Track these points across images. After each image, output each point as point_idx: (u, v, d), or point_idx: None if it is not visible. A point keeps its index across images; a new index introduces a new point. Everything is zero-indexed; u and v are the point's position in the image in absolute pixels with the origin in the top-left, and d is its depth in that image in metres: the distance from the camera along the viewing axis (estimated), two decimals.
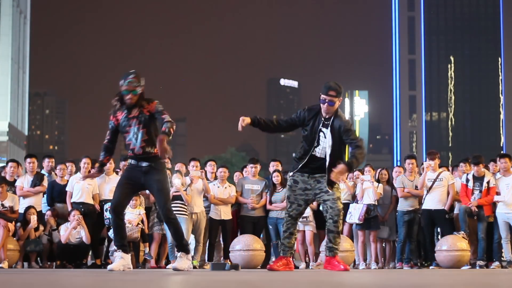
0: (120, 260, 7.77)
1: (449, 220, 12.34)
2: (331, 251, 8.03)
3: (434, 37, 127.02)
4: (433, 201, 12.25)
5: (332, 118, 7.95)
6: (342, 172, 7.71)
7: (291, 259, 8.30)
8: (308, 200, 8.16)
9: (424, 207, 12.34)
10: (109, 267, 7.89)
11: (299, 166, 8.01)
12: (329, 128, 7.92)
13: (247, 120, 7.96)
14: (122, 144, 7.88)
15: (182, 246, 7.91)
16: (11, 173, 12.45)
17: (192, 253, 12.14)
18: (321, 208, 8.96)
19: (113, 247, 11.45)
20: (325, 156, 7.92)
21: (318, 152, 7.94)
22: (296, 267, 10.96)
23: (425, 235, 12.59)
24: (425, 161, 12.75)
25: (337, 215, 7.88)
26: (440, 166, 12.62)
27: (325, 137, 7.92)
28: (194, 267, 11.54)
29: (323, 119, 7.96)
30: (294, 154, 8.23)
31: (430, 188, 12.25)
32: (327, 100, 7.89)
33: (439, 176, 12.27)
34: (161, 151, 7.30)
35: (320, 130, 7.94)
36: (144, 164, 7.69)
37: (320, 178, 7.96)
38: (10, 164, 12.61)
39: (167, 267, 11.73)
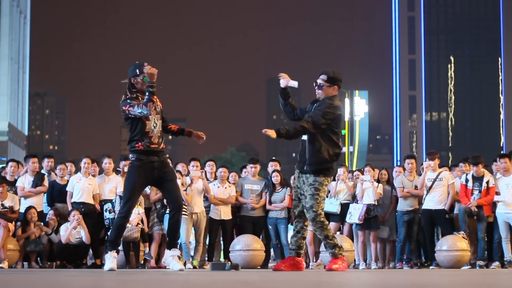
0: (115, 259, 7.84)
1: (449, 220, 12.34)
2: (330, 254, 8.23)
3: (434, 37, 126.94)
4: (433, 201, 12.25)
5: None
6: (269, 133, 7.76)
7: (300, 259, 8.22)
8: (299, 198, 8.22)
9: (424, 207, 12.34)
10: (107, 267, 7.85)
11: (298, 158, 8.20)
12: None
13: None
14: (122, 144, 7.93)
15: (176, 240, 8.08)
16: (11, 173, 12.45)
17: (192, 253, 12.19)
18: None
19: None
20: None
21: (304, 136, 8.09)
22: None
23: (425, 235, 12.59)
24: (425, 161, 12.75)
25: (313, 225, 8.05)
26: (440, 166, 12.63)
27: None
28: (194, 267, 11.55)
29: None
30: None
31: (430, 188, 12.25)
32: (316, 84, 8.20)
33: (439, 176, 12.27)
34: (201, 136, 8.07)
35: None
36: (155, 158, 7.86)
37: (305, 179, 8.04)
38: (10, 164, 12.62)
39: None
